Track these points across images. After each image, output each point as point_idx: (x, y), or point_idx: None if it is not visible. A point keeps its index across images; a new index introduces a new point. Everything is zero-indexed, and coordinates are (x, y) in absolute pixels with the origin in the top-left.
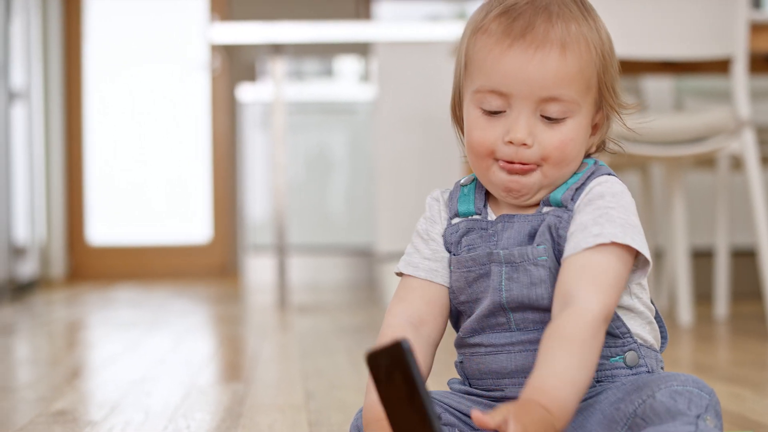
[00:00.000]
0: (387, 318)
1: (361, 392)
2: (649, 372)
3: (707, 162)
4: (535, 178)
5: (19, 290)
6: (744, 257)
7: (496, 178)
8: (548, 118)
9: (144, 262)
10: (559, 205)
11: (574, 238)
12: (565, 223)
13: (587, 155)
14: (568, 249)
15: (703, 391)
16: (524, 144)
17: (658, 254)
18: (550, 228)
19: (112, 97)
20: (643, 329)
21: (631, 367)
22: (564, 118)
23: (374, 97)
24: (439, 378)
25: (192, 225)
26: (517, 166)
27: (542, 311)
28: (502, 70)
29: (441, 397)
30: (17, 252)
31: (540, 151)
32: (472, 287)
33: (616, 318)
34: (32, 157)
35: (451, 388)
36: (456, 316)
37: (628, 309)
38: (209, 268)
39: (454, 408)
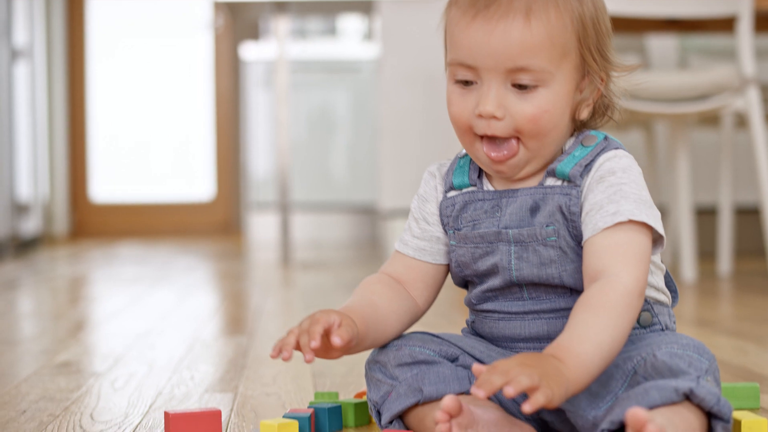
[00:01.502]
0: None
1: None
2: (663, 329)
3: (711, 120)
4: (519, 155)
5: (23, 247)
6: (747, 215)
7: (481, 154)
8: (520, 87)
9: (147, 220)
10: (566, 178)
11: (592, 219)
12: (575, 199)
13: (587, 125)
14: (587, 231)
15: (703, 356)
16: (494, 117)
17: (662, 212)
18: (561, 208)
19: (115, 54)
20: (654, 291)
21: (645, 327)
22: (536, 87)
23: (377, 56)
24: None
25: (195, 183)
26: (498, 156)
27: (555, 287)
28: (467, 43)
29: (456, 340)
30: (20, 209)
31: (512, 123)
32: (478, 263)
33: None
34: (35, 115)
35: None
36: (463, 280)
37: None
38: (212, 225)
39: (467, 353)
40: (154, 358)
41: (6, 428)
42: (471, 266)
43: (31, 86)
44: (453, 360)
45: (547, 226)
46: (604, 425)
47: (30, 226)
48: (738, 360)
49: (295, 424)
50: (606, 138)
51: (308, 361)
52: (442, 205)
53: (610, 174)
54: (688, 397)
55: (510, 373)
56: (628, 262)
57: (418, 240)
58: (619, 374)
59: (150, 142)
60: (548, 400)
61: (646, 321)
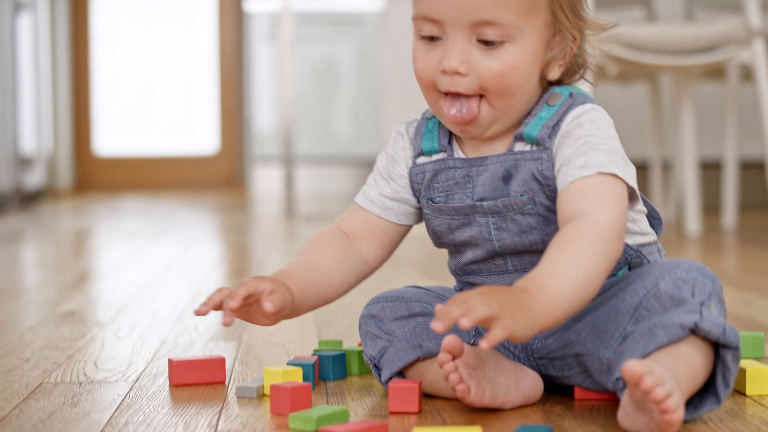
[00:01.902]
0: (328, 227)
1: (368, 296)
2: None
3: (717, 72)
4: (483, 114)
5: (26, 200)
6: (752, 169)
7: (444, 112)
8: (485, 43)
9: (151, 174)
10: (535, 142)
11: (562, 174)
12: (547, 163)
13: (559, 82)
14: (559, 186)
15: (706, 277)
16: (458, 73)
17: (666, 165)
18: (534, 174)
19: (119, 7)
20: (641, 237)
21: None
22: (503, 42)
23: (382, 9)
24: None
25: (199, 136)
26: (460, 118)
27: (539, 252)
28: None
29: (450, 294)
30: (24, 162)
31: (477, 80)
32: (455, 233)
33: None
34: (38, 68)
35: None
36: (439, 240)
37: (627, 230)
38: (216, 179)
39: None
40: (158, 308)
41: (10, 376)
42: (448, 236)
43: (35, 39)
44: None
45: (522, 195)
46: (618, 374)
47: (33, 179)
48: (743, 311)
49: (299, 371)
50: (571, 94)
51: (226, 324)
52: (411, 172)
53: (578, 127)
54: (694, 331)
55: (468, 303)
56: (604, 203)
57: (387, 199)
58: (626, 309)
59: (154, 96)
60: (509, 333)
61: (637, 264)
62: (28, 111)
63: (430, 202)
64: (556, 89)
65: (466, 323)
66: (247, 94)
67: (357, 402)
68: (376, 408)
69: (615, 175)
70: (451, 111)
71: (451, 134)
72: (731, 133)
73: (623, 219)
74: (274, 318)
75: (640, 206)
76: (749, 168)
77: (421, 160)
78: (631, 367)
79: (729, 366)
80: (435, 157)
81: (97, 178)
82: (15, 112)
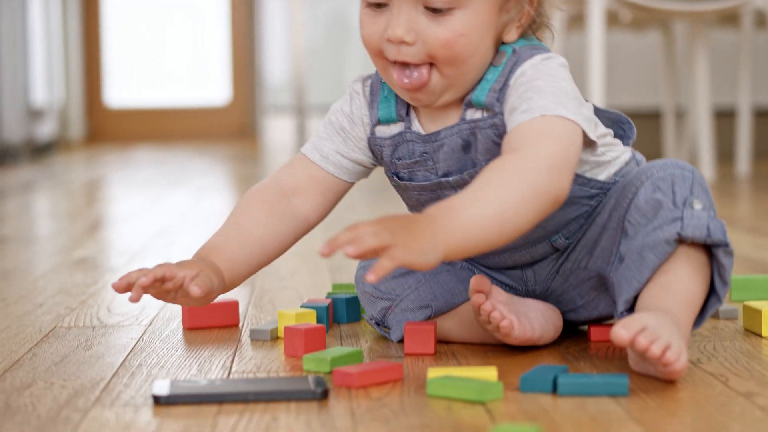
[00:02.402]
0: (265, 179)
1: None
2: None
3: (731, 19)
4: (433, 82)
5: (38, 151)
6: (766, 116)
7: (393, 80)
8: (433, 10)
9: (163, 125)
10: (484, 107)
11: (508, 124)
12: (503, 127)
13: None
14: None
15: (684, 170)
16: (404, 42)
17: (680, 113)
18: (493, 140)
19: None
20: (615, 164)
21: None
22: (451, 9)
23: None
24: None
25: (211, 87)
26: (410, 84)
27: None
28: None
29: None
30: (35, 114)
31: (425, 48)
32: (426, 205)
33: (585, 182)
34: (49, 19)
35: None
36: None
37: (596, 164)
38: (228, 129)
39: None
40: (172, 255)
41: (23, 321)
42: (419, 208)
43: None
44: (449, 263)
45: (486, 162)
46: (621, 307)
47: (45, 130)
48: (757, 255)
49: (313, 313)
50: (515, 51)
51: (132, 300)
52: (371, 142)
53: (521, 76)
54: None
55: (357, 230)
56: (540, 138)
57: (342, 158)
58: (613, 225)
59: (165, 46)
60: (399, 262)
61: None
62: (39, 63)
63: (395, 177)
64: (502, 47)
65: (352, 251)
66: (258, 44)
67: (371, 344)
68: (391, 350)
69: (563, 117)
70: (403, 79)
71: (409, 105)
72: (745, 81)
73: (564, 153)
74: (205, 299)
75: (604, 134)
76: (763, 115)
77: (380, 130)
78: (619, 335)
79: (723, 263)
80: (393, 127)
81: (108, 129)
82: (26, 64)
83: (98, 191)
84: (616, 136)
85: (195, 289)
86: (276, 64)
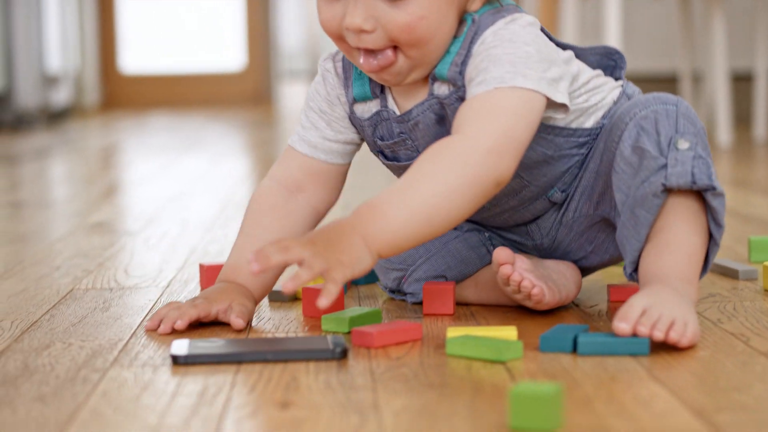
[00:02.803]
0: (264, 180)
1: None
2: None
3: None
4: (399, 63)
5: (54, 117)
6: None
7: (359, 63)
8: None
9: (178, 91)
10: (448, 81)
11: (467, 95)
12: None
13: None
14: None
15: (667, 104)
16: (363, 30)
17: (697, 78)
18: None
19: None
20: (603, 107)
21: None
22: None
23: None
24: None
25: (225, 52)
26: (376, 65)
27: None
28: None
29: None
30: (50, 80)
31: (385, 34)
32: None
33: (571, 133)
34: None
35: None
36: None
37: (581, 112)
38: (243, 95)
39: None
40: (187, 218)
41: (40, 283)
42: None
43: None
44: (455, 228)
45: None
46: (628, 269)
47: (60, 97)
48: None
49: None
50: (474, 20)
51: (178, 328)
52: (352, 120)
53: (480, 45)
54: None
55: (289, 256)
56: (481, 118)
57: (331, 142)
58: (605, 171)
59: (180, 12)
60: (342, 280)
61: None
62: (54, 29)
63: (380, 155)
64: (465, 16)
65: (290, 288)
66: (273, 9)
67: (389, 305)
68: (409, 311)
69: (519, 88)
70: (369, 63)
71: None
72: (762, 44)
73: (510, 133)
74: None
75: (587, 80)
76: None
77: (358, 109)
78: (620, 329)
79: (713, 206)
80: (370, 105)
81: (123, 96)
82: (40, 30)
83: (113, 157)
84: (607, 67)
85: (239, 322)
86: (291, 29)
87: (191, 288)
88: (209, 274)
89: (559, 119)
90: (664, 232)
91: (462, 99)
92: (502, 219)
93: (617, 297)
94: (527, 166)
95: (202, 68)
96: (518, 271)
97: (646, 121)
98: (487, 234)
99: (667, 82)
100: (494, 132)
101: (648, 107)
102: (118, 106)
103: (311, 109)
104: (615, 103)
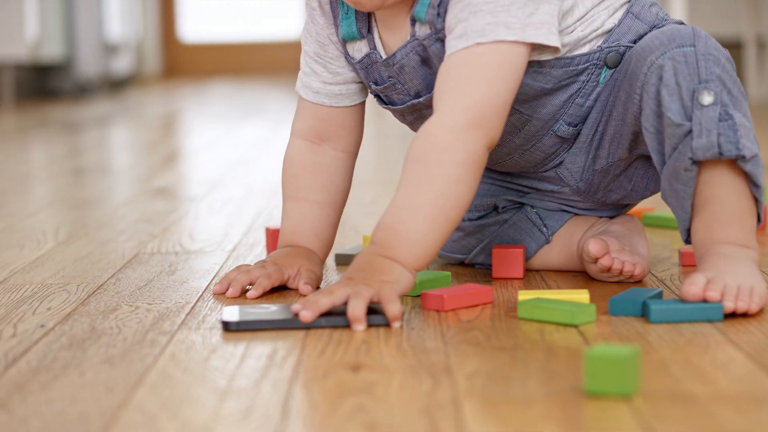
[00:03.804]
0: (290, 139)
1: None
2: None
3: None
4: None
5: (115, 86)
6: None
7: None
8: None
9: (237, 59)
10: (426, 23)
11: (447, 46)
12: None
13: None
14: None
15: (684, 46)
16: None
17: (762, 44)
18: (442, 56)
19: None
20: (604, 30)
21: (618, 65)
22: None
23: None
24: None
25: (284, 20)
26: None
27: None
28: None
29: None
30: (111, 49)
31: None
32: (415, 125)
33: (567, 62)
34: None
35: None
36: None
37: (576, 42)
38: None
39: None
40: (251, 183)
41: (105, 247)
42: (410, 126)
43: None
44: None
45: None
46: (684, 236)
47: (121, 65)
48: None
49: None
50: None
51: (250, 297)
52: (348, 60)
53: None
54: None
55: (335, 294)
56: (458, 88)
57: (332, 86)
58: (632, 120)
59: None
60: (395, 294)
61: (616, 61)
62: None
63: (377, 98)
64: None
65: (359, 328)
66: None
67: (457, 269)
68: (478, 275)
69: (501, 42)
70: None
71: (369, 19)
72: None
73: (491, 99)
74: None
75: (585, 11)
76: None
77: (350, 49)
78: (690, 292)
79: (747, 170)
80: (359, 46)
81: (183, 64)
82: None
83: (174, 124)
84: None
85: (307, 289)
86: None
87: (257, 252)
88: (275, 237)
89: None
90: (709, 204)
91: (441, 41)
92: (514, 162)
93: (689, 261)
94: (525, 100)
95: (261, 36)
96: (616, 258)
97: (663, 71)
98: (532, 210)
99: (731, 48)
100: (473, 105)
101: (664, 53)
102: (178, 75)
103: (307, 54)
104: (618, 25)
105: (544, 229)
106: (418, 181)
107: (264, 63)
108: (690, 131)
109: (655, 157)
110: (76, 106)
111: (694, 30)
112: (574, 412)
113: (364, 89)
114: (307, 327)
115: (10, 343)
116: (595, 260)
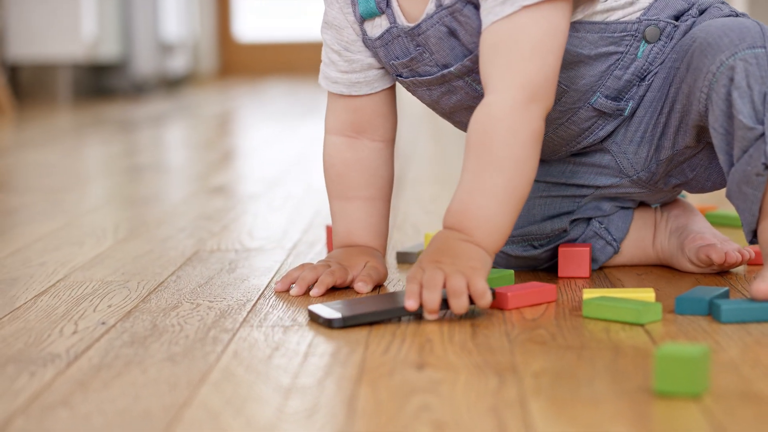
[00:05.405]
0: (324, 136)
1: None
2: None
3: None
4: None
5: (171, 85)
6: None
7: None
8: None
9: (292, 58)
10: None
11: (484, 11)
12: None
13: None
14: (483, 25)
15: (755, 47)
16: None
17: None
18: (473, 24)
19: None
20: (642, 2)
21: (657, 41)
22: None
23: None
24: None
25: None
26: None
27: None
28: None
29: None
30: (167, 48)
31: None
32: (442, 101)
33: (603, 28)
34: None
35: None
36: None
37: (611, 10)
38: None
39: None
40: (311, 181)
41: (166, 244)
42: (436, 106)
43: None
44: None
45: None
46: (748, 237)
47: (177, 64)
48: None
49: None
50: None
51: (313, 295)
52: (366, 43)
53: None
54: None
55: (435, 285)
56: (508, 68)
57: (348, 74)
58: (697, 113)
59: None
60: (482, 278)
61: (654, 36)
62: None
63: (399, 78)
64: None
65: (459, 310)
66: None
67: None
68: (541, 274)
69: (544, 4)
70: None
71: None
72: None
73: (541, 74)
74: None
75: None
76: None
77: (368, 29)
78: (760, 290)
79: None
80: (379, 22)
81: (239, 63)
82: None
83: (230, 123)
84: None
85: (362, 286)
86: None
87: (317, 249)
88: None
89: (588, 13)
90: None
91: (473, 4)
92: (547, 137)
93: (755, 260)
94: (563, 67)
95: (316, 35)
96: (722, 249)
97: (735, 72)
98: (600, 226)
99: None
100: (529, 82)
101: (735, 53)
102: (234, 74)
103: (326, 43)
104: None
105: (614, 243)
106: (486, 165)
107: (319, 62)
108: (762, 135)
109: (721, 157)
110: (133, 105)
111: (762, 28)
112: (644, 411)
113: (386, 75)
114: (397, 315)
115: (71, 340)
116: (719, 265)
